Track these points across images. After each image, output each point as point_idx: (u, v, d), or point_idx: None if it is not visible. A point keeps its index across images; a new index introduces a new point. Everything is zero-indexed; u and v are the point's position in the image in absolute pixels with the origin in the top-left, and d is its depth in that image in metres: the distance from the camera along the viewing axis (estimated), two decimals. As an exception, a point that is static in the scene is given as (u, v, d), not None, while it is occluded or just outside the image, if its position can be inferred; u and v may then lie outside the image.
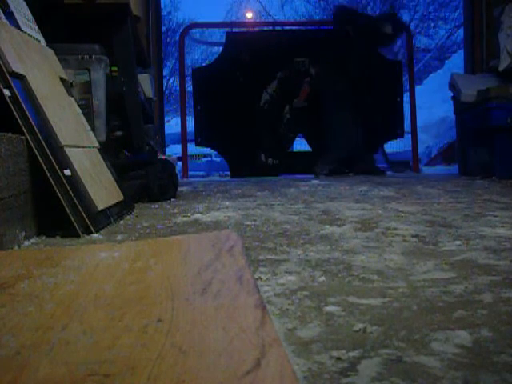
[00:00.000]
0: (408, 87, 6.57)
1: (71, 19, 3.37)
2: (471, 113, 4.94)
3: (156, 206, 2.95)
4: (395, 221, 2.08)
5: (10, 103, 1.88)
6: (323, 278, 1.23)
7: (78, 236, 1.91)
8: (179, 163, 6.07)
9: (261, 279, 1.23)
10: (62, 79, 2.59)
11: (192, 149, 6.86)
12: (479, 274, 1.23)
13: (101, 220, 2.11)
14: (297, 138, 6.51)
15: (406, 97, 6.41)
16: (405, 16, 18.93)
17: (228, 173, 6.06)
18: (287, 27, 8.79)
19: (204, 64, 9.05)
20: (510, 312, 0.96)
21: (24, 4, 2.56)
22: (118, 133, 3.57)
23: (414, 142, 6.27)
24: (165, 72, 13.05)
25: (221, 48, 6.39)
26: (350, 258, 1.44)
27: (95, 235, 1.94)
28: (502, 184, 3.92)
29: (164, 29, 14.46)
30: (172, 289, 1.05)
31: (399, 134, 6.22)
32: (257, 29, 7.58)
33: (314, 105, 5.95)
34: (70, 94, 2.62)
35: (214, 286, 1.06)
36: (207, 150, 7.62)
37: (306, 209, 2.59)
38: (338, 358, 0.77)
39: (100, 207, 2.13)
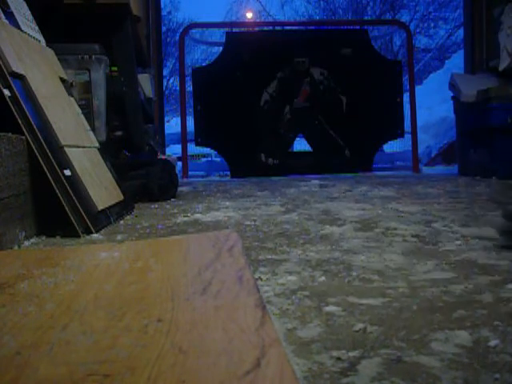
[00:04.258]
0: (408, 87, 6.56)
1: (71, 19, 3.37)
2: (471, 113, 4.94)
3: (156, 205, 2.94)
4: (395, 221, 2.08)
5: (10, 103, 1.88)
6: (323, 278, 1.23)
7: (78, 236, 1.91)
8: (179, 163, 6.06)
9: (261, 279, 1.23)
10: (61, 79, 2.59)
11: (192, 149, 6.85)
12: (479, 274, 1.23)
13: (101, 220, 2.11)
14: (297, 138, 6.51)
15: (406, 97, 6.40)
16: (405, 16, 18.94)
17: (228, 173, 6.06)
18: (287, 27, 8.79)
19: (204, 64, 9.04)
20: (510, 312, 0.96)
21: (24, 4, 2.56)
22: (118, 133, 3.57)
23: (414, 142, 6.26)
24: (165, 72, 13.06)
25: (221, 48, 6.39)
26: (349, 258, 1.44)
27: (95, 235, 1.94)
28: (503, 184, 3.92)
29: (164, 29, 14.47)
30: (172, 289, 1.05)
31: (399, 134, 6.22)
32: (257, 29, 7.57)
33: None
34: (70, 94, 2.62)
35: (213, 286, 1.06)
36: (207, 150, 7.61)
37: (306, 209, 2.59)
38: (338, 358, 0.77)
39: (100, 207, 2.13)
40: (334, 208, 2.58)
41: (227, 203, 2.95)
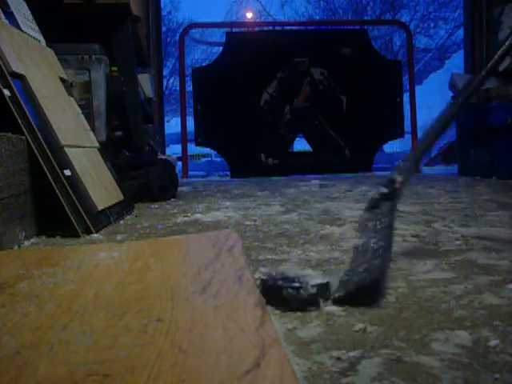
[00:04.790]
0: (408, 87, 6.57)
1: (71, 19, 3.37)
2: (471, 113, 4.94)
3: (156, 205, 2.94)
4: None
5: (10, 103, 1.88)
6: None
7: (77, 236, 1.91)
8: (179, 163, 6.06)
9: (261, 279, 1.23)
10: (61, 79, 2.59)
11: (192, 149, 6.85)
12: (479, 274, 1.23)
13: (101, 220, 2.11)
14: (297, 138, 6.51)
15: (406, 97, 6.41)
16: (405, 16, 18.94)
17: (228, 173, 6.06)
18: (287, 27, 8.78)
19: (204, 64, 9.05)
20: (510, 312, 0.96)
21: (24, 4, 2.55)
22: (118, 133, 3.57)
23: (414, 142, 6.26)
24: (165, 72, 13.04)
25: (221, 48, 6.39)
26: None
27: (95, 235, 1.94)
28: (502, 184, 3.92)
29: (164, 29, 14.45)
30: (172, 288, 1.05)
31: (399, 134, 6.22)
32: (257, 29, 7.58)
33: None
34: (70, 94, 2.62)
35: (213, 286, 1.05)
36: (207, 150, 7.62)
37: (306, 209, 2.59)
38: (338, 358, 0.76)
39: (100, 207, 2.13)
40: (334, 208, 2.58)
41: (227, 203, 2.95)
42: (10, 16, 2.26)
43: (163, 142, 6.62)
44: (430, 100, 8.98)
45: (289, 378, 0.65)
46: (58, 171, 1.94)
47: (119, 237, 1.90)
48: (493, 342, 0.81)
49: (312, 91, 6.10)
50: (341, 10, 20.21)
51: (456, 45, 17.55)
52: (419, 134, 6.40)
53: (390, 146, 7.50)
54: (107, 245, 1.70)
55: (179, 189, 3.60)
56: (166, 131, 7.29)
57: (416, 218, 2.15)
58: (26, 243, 1.80)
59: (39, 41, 2.57)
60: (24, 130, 1.90)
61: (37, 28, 2.61)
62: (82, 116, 2.66)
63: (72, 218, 1.92)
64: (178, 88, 9.68)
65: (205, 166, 7.39)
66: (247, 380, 0.64)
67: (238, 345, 0.75)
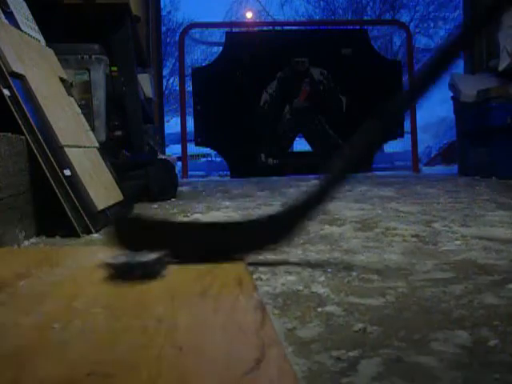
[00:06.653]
0: (408, 87, 6.56)
1: (71, 19, 3.37)
2: (471, 113, 4.94)
3: (156, 206, 2.94)
4: (395, 221, 2.08)
5: (9, 103, 1.88)
6: (323, 278, 1.22)
7: (77, 236, 1.91)
8: (179, 163, 6.07)
9: (260, 279, 1.23)
10: (61, 79, 2.59)
11: (192, 149, 6.86)
12: (479, 274, 1.23)
13: (101, 220, 2.11)
14: (297, 138, 6.52)
15: (406, 97, 6.39)
16: (405, 16, 18.94)
17: (228, 173, 6.06)
18: (287, 27, 8.78)
19: (204, 64, 9.06)
20: (509, 312, 0.96)
21: (24, 4, 2.55)
22: (118, 133, 3.57)
23: (414, 142, 6.27)
24: (165, 72, 13.03)
25: (221, 48, 6.39)
26: (349, 258, 1.44)
27: (95, 235, 1.94)
28: (502, 184, 3.92)
29: (164, 29, 14.43)
30: (172, 291, 1.05)
31: (399, 134, 6.22)
32: (257, 29, 7.58)
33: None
34: (69, 94, 2.62)
35: (213, 289, 1.05)
36: (207, 150, 7.63)
37: (305, 209, 2.59)
38: (338, 358, 0.76)
39: (100, 207, 2.13)
40: (334, 208, 2.58)
41: (227, 203, 2.95)
42: (9, 16, 2.26)
43: (163, 142, 6.62)
44: (429, 100, 8.98)
45: (288, 378, 0.65)
46: (58, 171, 1.94)
47: (119, 237, 1.90)
48: (492, 342, 0.81)
49: (312, 91, 6.10)
50: (341, 10, 20.19)
51: (456, 45, 17.49)
52: (419, 134, 6.41)
53: (390, 146, 7.51)
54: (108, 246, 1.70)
55: (179, 189, 3.60)
56: (166, 131, 7.30)
57: (416, 218, 2.15)
58: (26, 243, 1.80)
59: (39, 41, 2.57)
60: (24, 130, 1.90)
61: (37, 28, 2.61)
62: (82, 116, 2.66)
63: (72, 217, 1.92)
64: (177, 88, 9.68)
65: (205, 166, 7.40)
66: (247, 380, 0.64)
67: (237, 345, 0.76)
